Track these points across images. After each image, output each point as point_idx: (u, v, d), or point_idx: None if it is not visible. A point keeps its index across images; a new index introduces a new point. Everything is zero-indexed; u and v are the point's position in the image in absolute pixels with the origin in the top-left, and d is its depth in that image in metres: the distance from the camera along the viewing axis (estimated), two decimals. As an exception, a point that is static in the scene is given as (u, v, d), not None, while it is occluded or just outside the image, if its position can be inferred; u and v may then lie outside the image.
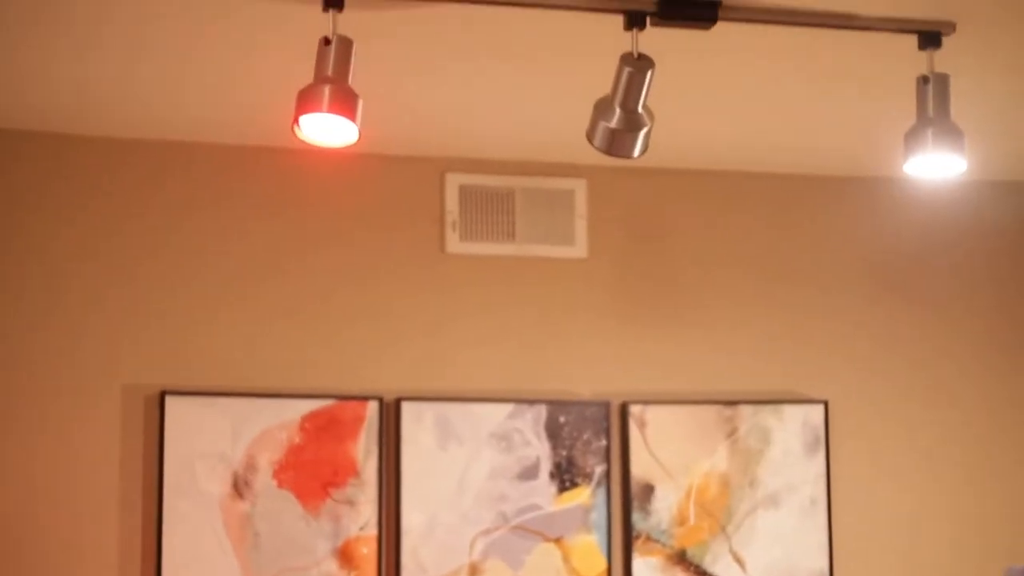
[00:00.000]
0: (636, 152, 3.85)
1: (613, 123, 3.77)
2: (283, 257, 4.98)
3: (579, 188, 5.22)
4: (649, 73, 3.69)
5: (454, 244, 5.11)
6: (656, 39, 3.68)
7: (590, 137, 3.85)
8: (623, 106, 3.75)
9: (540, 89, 4.43)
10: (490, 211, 5.14)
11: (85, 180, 4.85)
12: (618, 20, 3.69)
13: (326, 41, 3.60)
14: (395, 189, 5.10)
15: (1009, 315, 5.55)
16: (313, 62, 3.60)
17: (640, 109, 3.76)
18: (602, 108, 3.79)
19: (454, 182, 5.13)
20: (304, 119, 3.60)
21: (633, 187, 5.26)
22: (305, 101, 3.59)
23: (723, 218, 5.34)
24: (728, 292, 5.31)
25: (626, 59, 3.69)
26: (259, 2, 3.65)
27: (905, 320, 5.44)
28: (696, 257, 5.30)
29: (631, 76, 3.70)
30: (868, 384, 5.37)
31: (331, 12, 3.58)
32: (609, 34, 3.75)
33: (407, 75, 4.21)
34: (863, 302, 5.41)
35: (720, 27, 3.73)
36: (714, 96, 4.48)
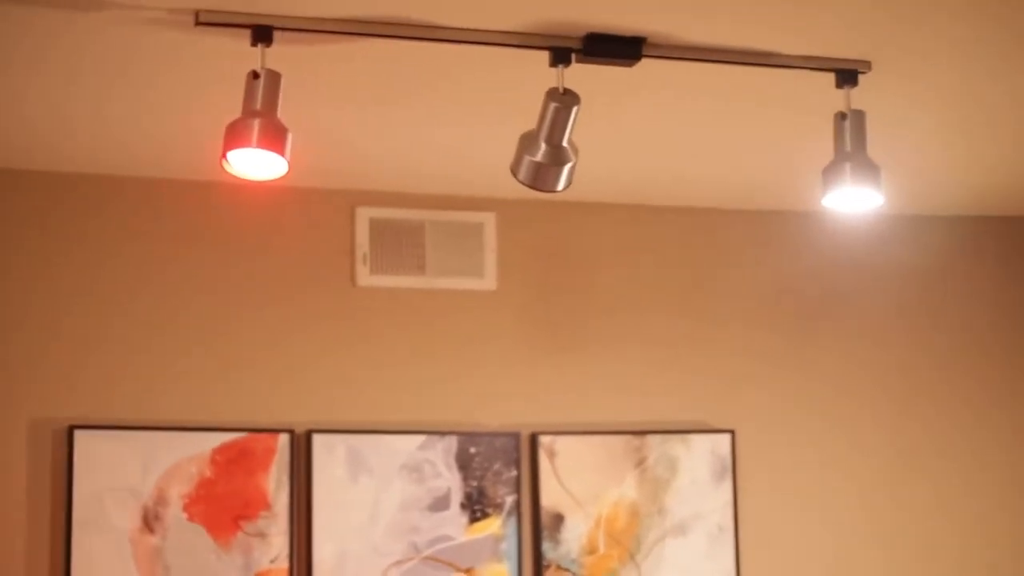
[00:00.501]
0: (560, 186, 3.88)
1: (538, 157, 3.80)
2: (194, 290, 4.96)
3: (488, 221, 5.26)
4: (575, 109, 3.73)
5: (364, 277, 5.12)
6: (576, 74, 3.73)
7: (514, 171, 3.87)
8: (548, 140, 3.78)
9: (451, 123, 4.46)
10: (400, 244, 5.16)
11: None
12: (534, 55, 3.73)
13: (254, 75, 3.60)
14: (306, 222, 5.10)
15: (917, 348, 5.68)
16: (237, 96, 3.61)
17: (565, 143, 3.80)
18: (527, 142, 3.82)
19: (364, 215, 5.14)
20: (233, 154, 3.59)
21: (543, 220, 5.31)
22: (234, 135, 3.58)
23: (633, 251, 5.41)
24: (637, 324, 5.37)
25: (552, 94, 3.73)
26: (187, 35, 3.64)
27: (812, 352, 5.55)
28: (605, 289, 5.36)
29: (557, 111, 3.73)
30: (774, 414, 5.46)
31: (260, 46, 3.58)
32: (522, 69, 3.81)
33: (321, 108, 4.22)
34: (771, 334, 5.50)
35: (643, 64, 3.79)
36: (631, 131, 4.54)
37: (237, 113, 3.62)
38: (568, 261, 5.34)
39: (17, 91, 4.08)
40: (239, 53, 3.59)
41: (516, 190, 4.99)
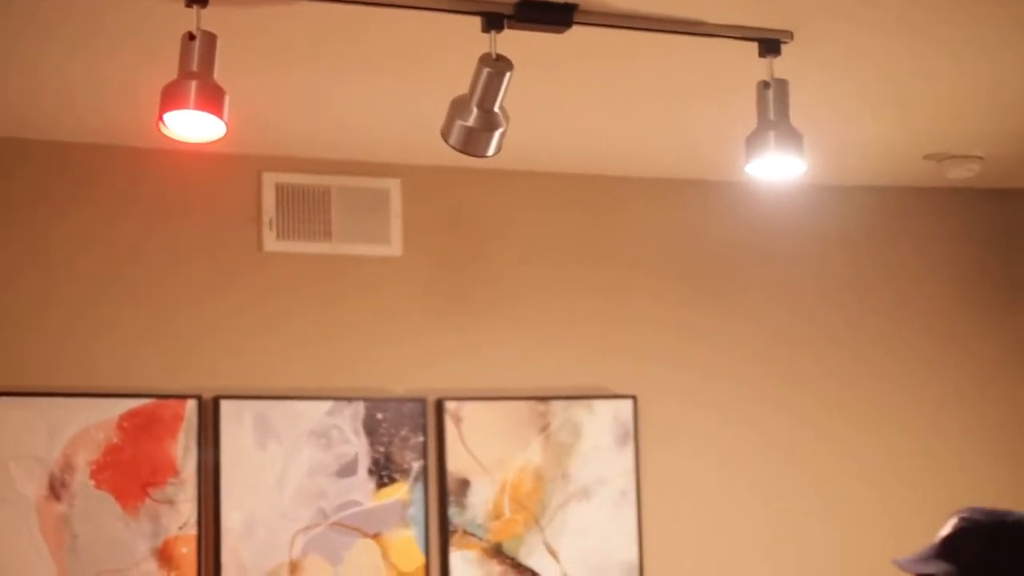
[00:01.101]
0: (491, 151, 3.91)
1: (470, 122, 3.83)
2: (100, 255, 4.90)
3: (394, 187, 5.26)
4: (507, 75, 3.76)
5: (271, 243, 5.10)
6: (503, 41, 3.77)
7: (445, 135, 3.89)
8: (480, 106, 3.81)
9: (359, 89, 4.45)
10: (307, 210, 5.14)
11: None
12: (454, 19, 3.75)
13: (190, 36, 3.57)
14: (213, 187, 5.06)
15: (828, 317, 5.79)
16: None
17: (497, 109, 3.83)
18: (459, 107, 3.85)
19: (271, 180, 5.11)
20: (170, 115, 3.57)
21: (449, 187, 5.33)
22: (171, 97, 3.55)
23: (539, 218, 5.45)
24: (542, 291, 5.42)
25: (485, 60, 3.75)
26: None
27: (716, 321, 5.63)
28: (510, 256, 5.40)
29: (490, 77, 3.76)
30: (676, 380, 5.55)
31: (195, 8, 3.56)
32: (435, 35, 3.86)
33: (231, 72, 4.17)
34: (676, 303, 5.58)
35: (573, 31, 3.83)
36: (555, 99, 4.57)
37: (163, 78, 3.60)
38: (474, 228, 5.37)
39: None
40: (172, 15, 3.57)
41: (422, 156, 5.07)
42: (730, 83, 4.25)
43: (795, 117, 3.99)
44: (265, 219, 5.09)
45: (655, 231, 5.59)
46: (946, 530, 3.01)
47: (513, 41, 3.77)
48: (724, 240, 5.65)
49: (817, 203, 5.74)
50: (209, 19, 3.58)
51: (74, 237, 4.87)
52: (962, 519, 2.99)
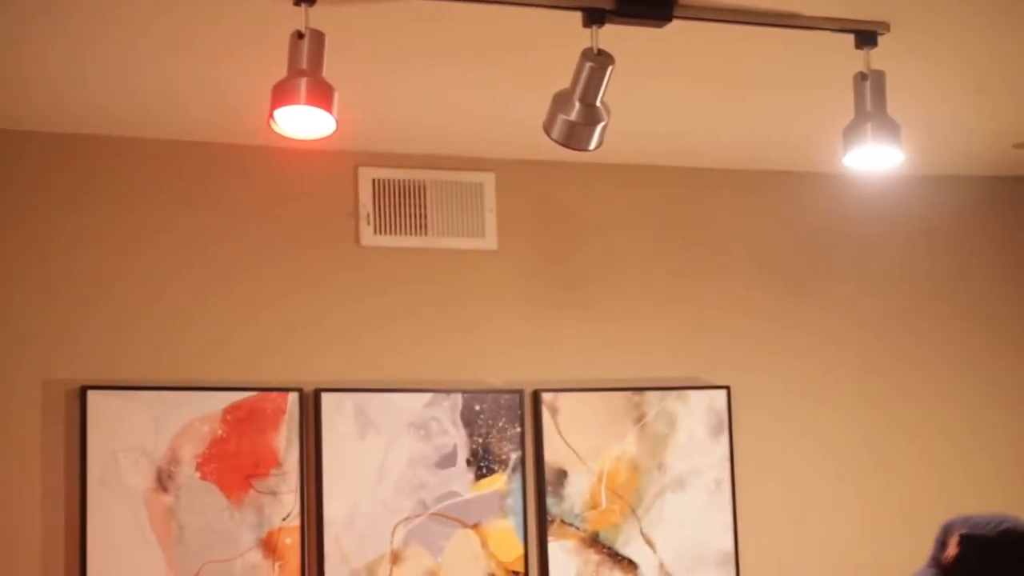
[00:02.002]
0: (592, 145, 3.96)
1: (572, 116, 3.88)
2: (202, 250, 4.99)
3: (488, 181, 5.32)
4: (609, 68, 3.81)
5: (368, 237, 5.17)
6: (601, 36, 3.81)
7: (547, 129, 3.94)
8: (582, 100, 3.86)
9: (456, 84, 4.51)
10: (402, 204, 5.21)
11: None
12: (548, 15, 3.81)
13: (299, 35, 3.64)
14: (311, 182, 5.14)
15: (919, 307, 5.81)
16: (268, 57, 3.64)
17: (598, 103, 3.88)
18: (561, 101, 3.90)
19: (367, 176, 5.19)
20: (280, 112, 3.64)
21: (542, 180, 5.39)
22: (282, 94, 3.63)
23: (632, 210, 5.50)
24: (636, 282, 5.46)
25: (587, 54, 3.80)
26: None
27: (810, 310, 5.67)
28: (604, 248, 5.45)
29: (592, 71, 3.81)
30: (770, 370, 5.58)
31: (303, 6, 3.63)
32: (535, 30, 3.91)
33: (331, 69, 4.26)
34: (768, 293, 5.62)
35: (672, 25, 3.88)
36: (654, 92, 4.62)
37: (270, 74, 3.68)
38: (567, 221, 5.42)
39: (34, 52, 4.08)
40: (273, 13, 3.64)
41: (515, 150, 5.13)
42: (827, 74, 4.28)
43: (891, 107, 4.02)
44: (362, 213, 5.16)
45: (747, 222, 5.62)
46: (951, 550, 3.02)
47: (613, 34, 3.82)
48: (815, 231, 5.68)
49: (909, 193, 5.76)
50: (312, 17, 3.65)
51: (181, 233, 4.96)
52: (963, 537, 2.99)
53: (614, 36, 3.83)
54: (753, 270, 5.61)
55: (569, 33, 3.82)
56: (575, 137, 3.93)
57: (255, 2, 3.70)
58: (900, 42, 4.07)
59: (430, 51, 4.20)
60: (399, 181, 5.21)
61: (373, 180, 5.19)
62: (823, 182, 5.61)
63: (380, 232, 5.19)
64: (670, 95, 4.67)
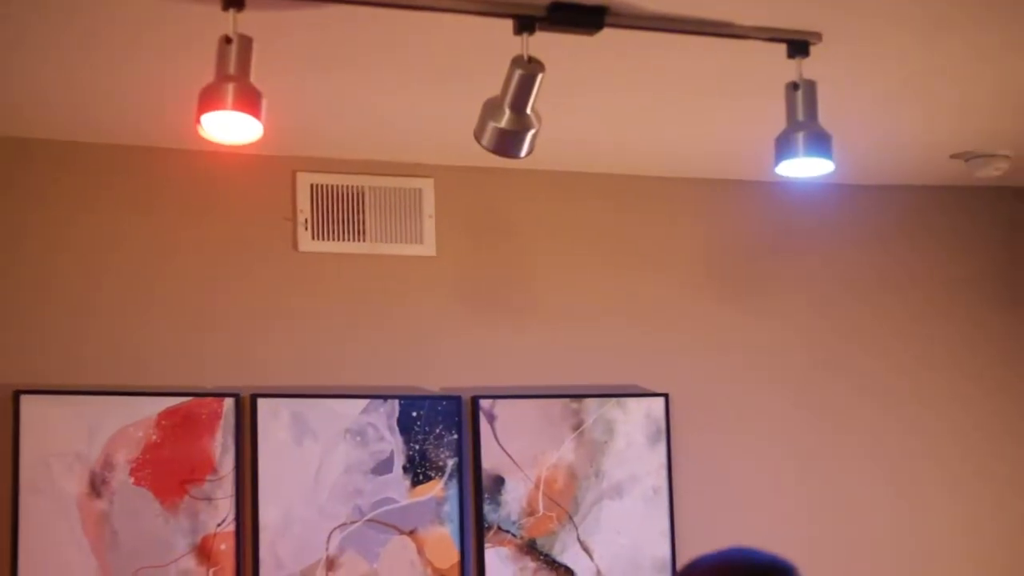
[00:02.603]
0: (523, 152, 3.97)
1: (503, 123, 3.89)
2: (137, 255, 4.97)
3: (427, 187, 5.32)
4: (540, 76, 3.81)
5: (306, 243, 5.16)
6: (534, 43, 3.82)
7: (478, 136, 3.95)
8: (512, 107, 3.86)
9: (393, 90, 4.50)
10: (341, 210, 5.21)
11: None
12: (479, 22, 3.81)
13: (227, 40, 3.63)
14: (248, 187, 5.12)
15: (857, 316, 5.83)
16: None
17: (529, 111, 3.88)
18: (491, 108, 3.90)
19: (305, 181, 5.18)
20: (207, 117, 3.63)
21: (481, 186, 5.38)
22: (209, 99, 3.62)
23: (570, 216, 5.50)
24: (574, 289, 5.47)
25: (517, 61, 3.81)
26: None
27: (748, 318, 5.67)
28: (543, 255, 5.45)
29: (522, 78, 3.81)
30: (709, 378, 5.59)
31: (231, 11, 3.62)
32: (469, 37, 3.93)
33: (266, 74, 4.23)
34: (707, 300, 5.62)
35: (603, 33, 3.88)
36: (585, 100, 4.62)
37: (199, 80, 3.66)
38: (506, 227, 5.43)
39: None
40: (207, 19, 3.63)
41: (455, 157, 5.13)
42: (759, 83, 4.29)
43: (824, 117, 4.04)
44: (300, 219, 5.15)
45: (686, 230, 5.63)
46: None
47: (545, 42, 3.82)
48: (754, 239, 5.69)
49: (845, 202, 5.79)
50: (244, 22, 3.64)
51: (111, 236, 4.94)
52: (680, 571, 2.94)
53: (548, 43, 3.83)
54: (692, 277, 5.62)
55: (507, 40, 3.81)
56: (505, 144, 3.93)
57: (186, 7, 3.68)
58: (833, 51, 4.08)
59: (365, 57, 4.19)
60: (337, 186, 5.21)
61: (311, 185, 5.18)
62: (761, 190, 5.63)
63: (318, 238, 5.18)
64: (606, 103, 4.67)
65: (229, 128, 3.69)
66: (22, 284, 4.83)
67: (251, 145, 4.88)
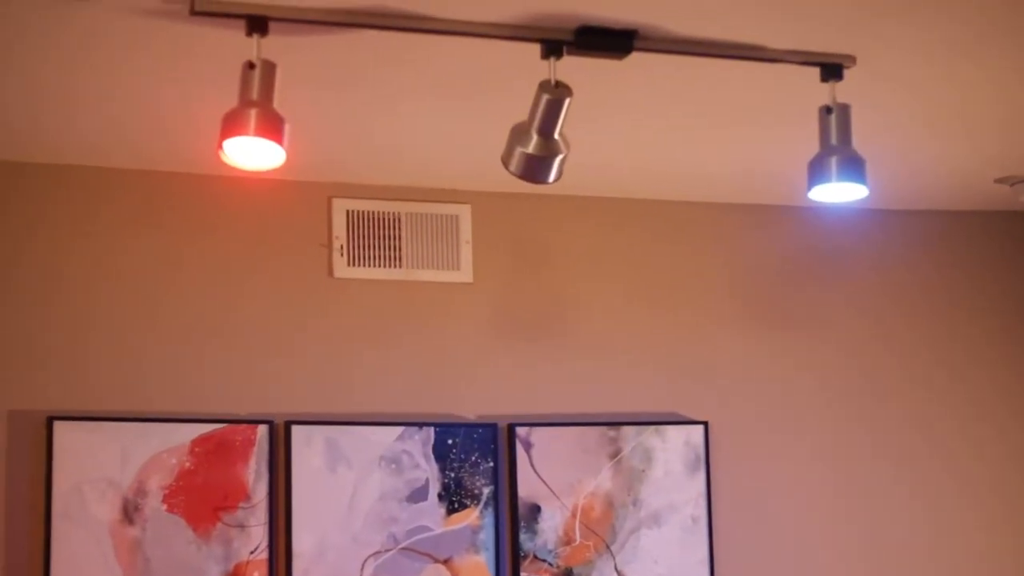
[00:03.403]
0: (551, 178, 3.93)
1: (530, 149, 3.85)
2: (172, 282, 4.96)
3: (464, 213, 5.29)
4: (567, 101, 3.77)
5: (342, 269, 5.14)
6: (565, 66, 3.78)
7: (506, 162, 3.91)
8: (540, 132, 3.83)
9: (429, 116, 4.48)
10: (377, 236, 5.18)
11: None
12: (517, 48, 3.77)
13: (250, 65, 3.61)
14: (283, 214, 5.11)
15: (895, 341, 5.75)
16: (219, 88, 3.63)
17: (556, 136, 3.84)
18: (519, 134, 3.86)
19: (341, 207, 5.16)
20: (229, 143, 3.61)
21: (518, 213, 5.35)
22: (231, 124, 3.60)
23: (607, 243, 5.45)
24: (612, 316, 5.42)
25: (544, 86, 3.77)
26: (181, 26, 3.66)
27: (787, 344, 5.61)
28: (581, 282, 5.41)
29: (549, 103, 3.77)
30: (748, 405, 5.52)
31: (255, 36, 3.60)
32: (500, 62, 3.89)
33: (301, 99, 4.22)
34: (745, 327, 5.56)
35: (633, 57, 3.83)
36: (615, 125, 4.58)
37: (225, 105, 3.65)
38: (543, 254, 5.38)
39: (10, 82, 4.07)
40: (232, 44, 3.62)
41: (491, 183, 5.09)
42: (793, 108, 4.23)
43: (860, 141, 3.97)
44: (336, 245, 5.13)
45: (724, 256, 5.58)
46: None
47: (575, 66, 3.78)
48: (792, 266, 5.63)
49: (888, 228, 5.73)
50: (275, 47, 3.62)
51: (149, 263, 4.94)
52: None
53: (578, 67, 3.79)
54: (730, 304, 5.56)
55: (538, 64, 3.78)
56: (532, 170, 3.89)
57: (212, 32, 3.66)
58: (868, 74, 4.02)
59: (400, 81, 4.17)
60: (373, 212, 5.18)
61: (347, 211, 5.16)
62: (797, 215, 5.56)
63: (354, 264, 5.15)
64: (638, 127, 4.63)
65: (252, 154, 3.67)
66: (60, 310, 4.83)
67: (287, 171, 4.90)
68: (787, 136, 4.43)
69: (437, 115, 4.48)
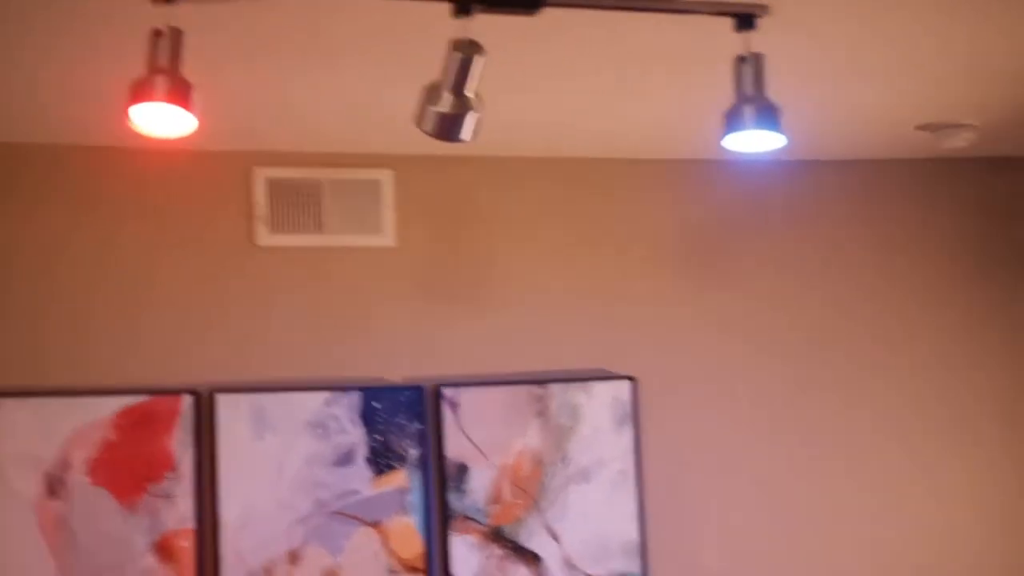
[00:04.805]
0: (465, 136, 3.90)
1: (443, 107, 3.82)
2: (93, 253, 4.92)
3: (386, 178, 5.27)
4: (479, 58, 3.75)
5: (264, 237, 5.11)
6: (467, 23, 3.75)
7: (419, 122, 3.88)
8: (451, 90, 3.80)
9: (347, 79, 4.45)
10: (298, 203, 5.15)
11: None
12: (432, 7, 3.73)
13: (158, 32, 3.58)
14: (204, 183, 5.07)
15: (816, 293, 5.76)
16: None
17: (469, 94, 3.82)
18: (431, 93, 3.84)
19: (261, 175, 5.12)
20: (137, 109, 3.57)
21: (439, 175, 5.33)
22: (139, 91, 3.56)
23: (530, 202, 5.44)
24: (535, 275, 5.41)
25: (456, 44, 3.74)
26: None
27: (711, 298, 5.62)
28: (503, 242, 5.40)
29: (462, 61, 3.75)
30: (673, 359, 5.53)
31: (162, 3, 3.56)
32: (416, 22, 3.86)
33: (217, 68, 4.19)
34: (667, 281, 5.57)
35: (544, 13, 3.81)
36: (530, 82, 4.56)
37: (137, 73, 3.62)
38: (466, 215, 5.37)
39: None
40: (138, 11, 3.58)
41: (412, 146, 5.07)
42: (710, 59, 4.21)
43: (778, 91, 3.96)
44: (258, 213, 5.10)
45: (646, 212, 5.57)
46: None
47: (490, 25, 3.75)
48: (716, 218, 5.63)
49: (811, 179, 5.73)
50: (185, 16, 3.58)
51: (66, 236, 4.90)
52: None
53: (493, 27, 3.77)
54: (654, 259, 5.56)
55: (452, 24, 3.75)
56: (446, 129, 3.86)
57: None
58: (783, 24, 4.00)
59: (314, 46, 4.12)
60: (294, 180, 5.15)
61: (268, 179, 5.13)
62: (722, 169, 5.57)
63: (276, 231, 5.12)
64: (556, 86, 4.59)
65: (162, 122, 3.63)
66: (-27, 285, 4.78)
67: (207, 141, 4.89)
68: (706, 89, 4.41)
69: (354, 79, 4.44)
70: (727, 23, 3.96)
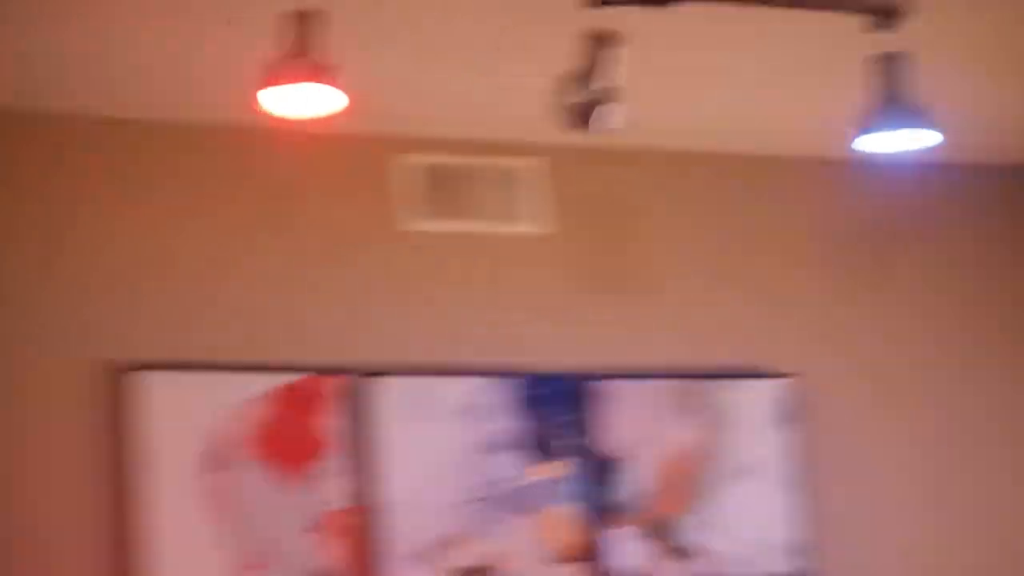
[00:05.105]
0: (603, 127, 3.91)
1: (578, 97, 3.84)
2: (253, 235, 5.00)
3: (540, 166, 5.28)
4: (619, 49, 3.76)
5: (417, 222, 5.16)
6: (619, 20, 3.75)
7: (558, 112, 3.91)
8: (588, 81, 3.82)
9: (500, 67, 4.49)
10: (452, 189, 5.20)
11: (42, 158, 4.81)
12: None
13: (298, 14, 3.65)
14: (352, 168, 5.13)
15: (976, 296, 5.67)
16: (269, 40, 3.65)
17: (609, 85, 3.83)
18: (568, 83, 3.86)
19: (417, 161, 5.18)
20: (274, 91, 3.65)
21: (594, 165, 5.32)
22: (281, 73, 3.64)
23: (688, 197, 5.44)
24: (694, 269, 5.41)
25: (596, 35, 3.76)
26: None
27: (870, 295, 5.55)
28: (660, 234, 5.40)
29: (600, 53, 3.77)
30: (834, 358, 5.48)
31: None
32: (568, 12, 3.83)
33: (366, 53, 4.24)
34: (828, 279, 5.53)
35: (680, 9, 3.79)
36: (675, 78, 4.55)
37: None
38: (621, 206, 5.37)
39: (39, 29, 4.10)
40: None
41: (568, 135, 5.05)
42: (852, 56, 4.15)
43: (924, 92, 3.90)
44: (408, 198, 5.15)
45: (808, 209, 5.54)
46: None
47: (642, 17, 3.76)
48: (876, 217, 5.54)
49: (975, 181, 5.59)
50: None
51: (234, 217, 4.99)
52: None
53: (631, 18, 3.77)
54: (815, 259, 5.53)
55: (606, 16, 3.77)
56: (585, 119, 3.88)
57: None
58: (922, 24, 3.92)
59: (476, 33, 4.20)
60: (448, 166, 5.20)
61: (429, 166, 5.18)
62: (877, 170, 5.42)
63: (429, 217, 5.18)
64: (704, 80, 4.59)
65: (302, 102, 3.71)
66: (139, 261, 4.88)
67: (360, 125, 4.88)
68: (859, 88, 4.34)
69: (511, 68, 4.47)
70: (868, 20, 3.90)
